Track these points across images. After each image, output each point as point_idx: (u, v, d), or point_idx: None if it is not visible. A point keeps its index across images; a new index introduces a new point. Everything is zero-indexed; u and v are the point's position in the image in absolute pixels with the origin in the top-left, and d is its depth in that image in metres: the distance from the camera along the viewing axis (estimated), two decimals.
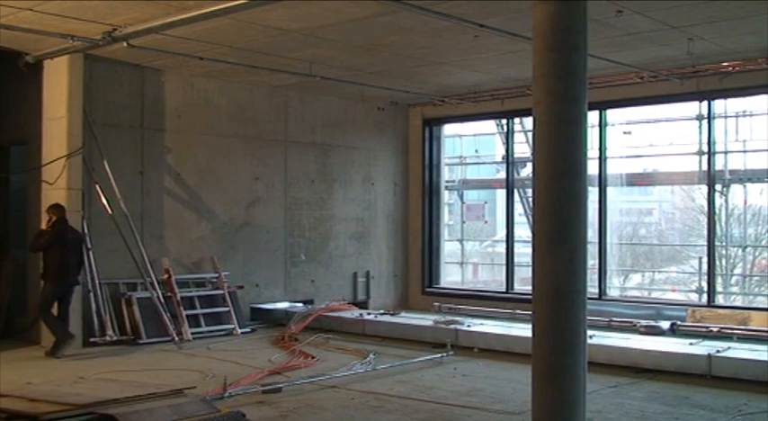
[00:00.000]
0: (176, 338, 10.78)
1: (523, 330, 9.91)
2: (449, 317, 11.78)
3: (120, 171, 11.12)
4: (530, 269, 5.73)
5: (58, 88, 10.57)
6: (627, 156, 13.80)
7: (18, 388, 7.66)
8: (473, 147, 16.32)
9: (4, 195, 12.13)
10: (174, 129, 12.02)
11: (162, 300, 11.08)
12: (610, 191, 13.30)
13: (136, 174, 11.56)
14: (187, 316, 11.37)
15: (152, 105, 11.78)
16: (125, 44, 9.47)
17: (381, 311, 12.67)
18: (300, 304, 13.12)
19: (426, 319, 11.63)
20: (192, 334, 11.24)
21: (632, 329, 11.03)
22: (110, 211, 10.79)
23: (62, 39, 9.48)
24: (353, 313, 12.32)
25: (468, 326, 10.88)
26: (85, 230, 10.63)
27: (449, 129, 15.73)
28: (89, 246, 10.68)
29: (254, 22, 9.02)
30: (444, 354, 9.70)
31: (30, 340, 10.68)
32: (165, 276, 11.43)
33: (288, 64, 11.22)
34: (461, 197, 16.16)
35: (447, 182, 15.79)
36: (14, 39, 9.69)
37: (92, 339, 10.56)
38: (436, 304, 14.05)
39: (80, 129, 10.55)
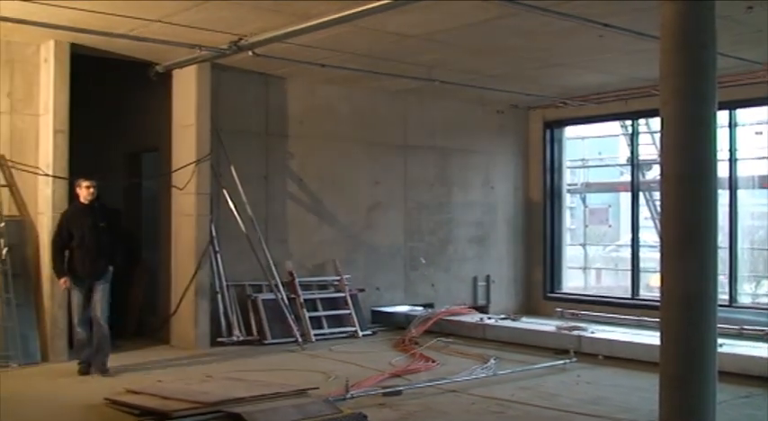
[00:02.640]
0: (300, 339, 10.98)
1: (650, 337, 9.61)
2: (571, 323, 11.56)
3: (245, 176, 11.42)
4: (655, 274, 5.59)
5: (186, 97, 10.94)
6: (758, 158, 13.22)
7: (150, 385, 7.97)
8: (596, 150, 15.99)
9: (137, 200, 12.65)
10: (297, 135, 12.27)
11: (286, 301, 11.32)
12: (741, 193, 12.77)
13: (261, 180, 11.85)
14: (310, 318, 11.57)
15: (276, 112, 12.06)
16: (250, 53, 9.72)
17: (502, 316, 12.52)
18: (420, 308, 13.14)
19: (548, 325, 11.45)
20: (315, 335, 11.43)
21: (765, 338, 10.55)
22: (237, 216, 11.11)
23: (190, 49, 9.82)
24: (474, 317, 12.24)
25: (592, 332, 10.64)
26: (213, 234, 10.96)
27: (570, 131, 15.44)
28: (216, 248, 11.01)
29: (374, 28, 9.11)
30: (567, 361, 9.52)
31: (160, 339, 11.08)
32: (289, 278, 11.67)
33: (408, 69, 11.28)
34: (584, 200, 15.85)
35: (569, 185, 15.52)
36: (145, 50, 10.09)
37: (219, 339, 10.88)
38: (558, 309, 13.83)
39: (208, 136, 10.88)
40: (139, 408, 7.01)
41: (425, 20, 8.84)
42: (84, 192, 8.86)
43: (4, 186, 9.66)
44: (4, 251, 9.45)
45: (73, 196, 9.23)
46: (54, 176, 9.63)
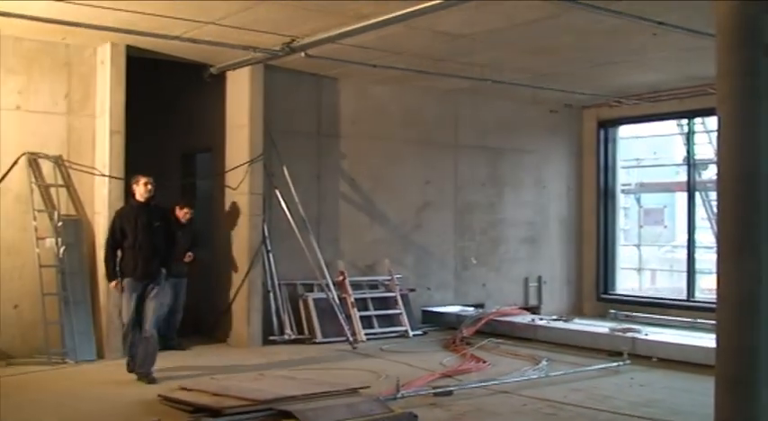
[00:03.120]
0: (350, 339, 11.02)
1: (705, 340, 9.47)
2: (625, 325, 11.44)
3: (297, 176, 11.50)
4: (711, 276, 5.48)
5: (240, 98, 11.06)
6: None
7: (203, 382, 8.07)
8: (651, 149, 15.76)
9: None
10: (349, 136, 12.32)
11: (337, 301, 11.37)
12: None
13: (313, 180, 11.93)
14: (360, 317, 11.62)
15: (328, 112, 12.13)
16: (303, 54, 9.80)
17: (554, 317, 12.45)
18: (471, 308, 13.11)
19: (601, 326, 11.35)
20: (366, 335, 11.47)
21: None
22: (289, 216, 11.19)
23: (244, 50, 9.93)
24: (525, 318, 12.17)
25: (646, 334, 10.51)
26: (266, 233, 11.05)
27: (625, 130, 15.24)
28: (268, 248, 11.10)
29: (426, 28, 9.10)
30: (620, 363, 9.41)
31: (215, 337, 11.22)
32: (340, 278, 11.73)
33: (459, 68, 11.25)
34: (638, 201, 15.63)
35: (623, 185, 15.31)
36: (199, 52, 10.23)
37: (271, 337, 10.98)
38: (611, 311, 13.68)
39: (261, 136, 10.99)
40: (193, 405, 7.09)
41: (477, 19, 8.81)
42: (142, 188, 8.54)
43: (61, 186, 9.87)
44: (62, 250, 9.66)
45: (129, 195, 9.09)
46: (110, 176, 9.80)
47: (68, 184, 9.96)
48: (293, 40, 9.52)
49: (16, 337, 9.54)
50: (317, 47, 9.60)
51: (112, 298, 9.67)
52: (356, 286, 12.05)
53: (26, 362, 9.25)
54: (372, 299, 12.14)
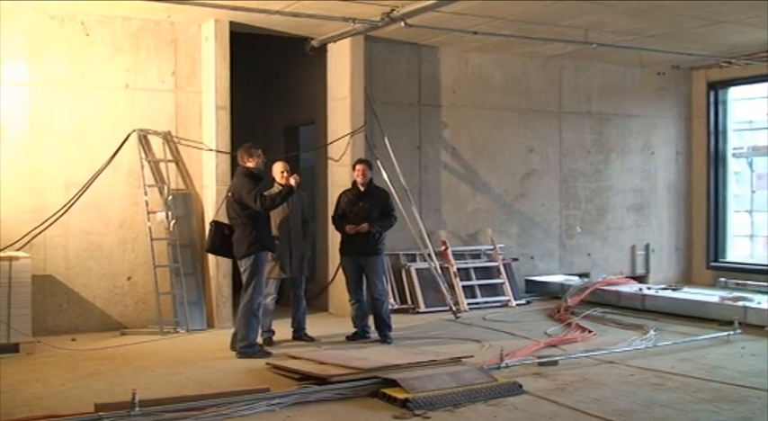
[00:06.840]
0: (453, 308, 11.04)
1: None
2: (736, 294, 11.10)
3: (399, 147, 11.54)
4: None
5: (341, 70, 11.12)
6: None
7: (309, 351, 8.25)
8: (765, 111, 15.10)
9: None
10: (450, 105, 12.26)
11: (439, 270, 11.39)
12: None
13: (414, 150, 11.94)
14: (463, 287, 11.63)
15: (428, 82, 12.09)
16: (402, 24, 9.76)
17: (662, 286, 12.18)
18: (576, 277, 12.94)
19: (711, 295, 11.04)
20: (468, 304, 11.48)
21: None
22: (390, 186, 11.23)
23: (344, 22, 9.96)
24: (632, 287, 11.92)
25: (759, 302, 10.17)
26: None
27: (736, 91, 14.68)
28: None
29: None
30: (731, 333, 9.15)
31: (318, 307, 11.42)
32: (442, 248, 11.74)
33: (562, 32, 11.03)
34: (750, 165, 15.06)
35: (734, 149, 14.78)
36: (301, 25, 10.32)
37: None
38: (722, 279, 13.29)
39: (362, 107, 11.04)
40: (300, 373, 7.25)
41: None
42: (358, 177, 9.36)
43: (170, 161, 10.18)
44: (172, 223, 9.98)
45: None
46: (217, 151, 10.04)
47: (177, 159, 10.26)
48: (393, 10, 9.50)
49: (130, 308, 9.95)
50: (417, 16, 9.55)
51: (222, 269, 9.98)
52: (458, 256, 12.05)
53: (139, 331, 9.65)
54: (475, 268, 12.13)
